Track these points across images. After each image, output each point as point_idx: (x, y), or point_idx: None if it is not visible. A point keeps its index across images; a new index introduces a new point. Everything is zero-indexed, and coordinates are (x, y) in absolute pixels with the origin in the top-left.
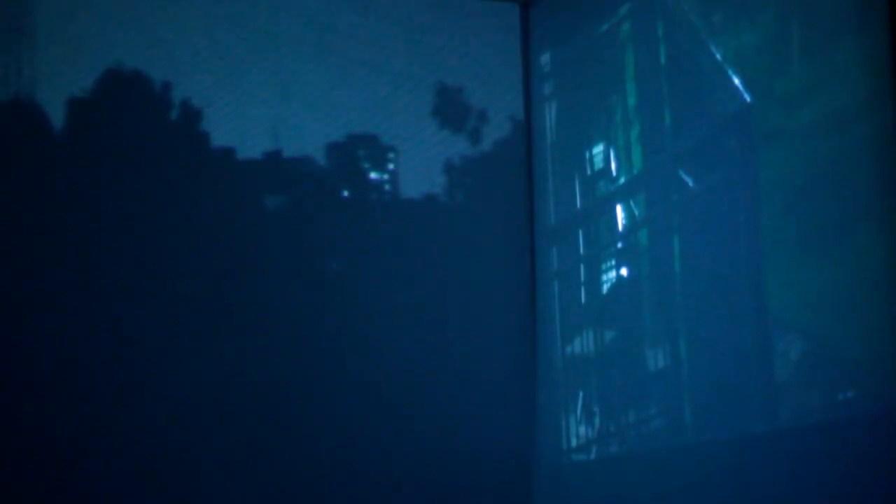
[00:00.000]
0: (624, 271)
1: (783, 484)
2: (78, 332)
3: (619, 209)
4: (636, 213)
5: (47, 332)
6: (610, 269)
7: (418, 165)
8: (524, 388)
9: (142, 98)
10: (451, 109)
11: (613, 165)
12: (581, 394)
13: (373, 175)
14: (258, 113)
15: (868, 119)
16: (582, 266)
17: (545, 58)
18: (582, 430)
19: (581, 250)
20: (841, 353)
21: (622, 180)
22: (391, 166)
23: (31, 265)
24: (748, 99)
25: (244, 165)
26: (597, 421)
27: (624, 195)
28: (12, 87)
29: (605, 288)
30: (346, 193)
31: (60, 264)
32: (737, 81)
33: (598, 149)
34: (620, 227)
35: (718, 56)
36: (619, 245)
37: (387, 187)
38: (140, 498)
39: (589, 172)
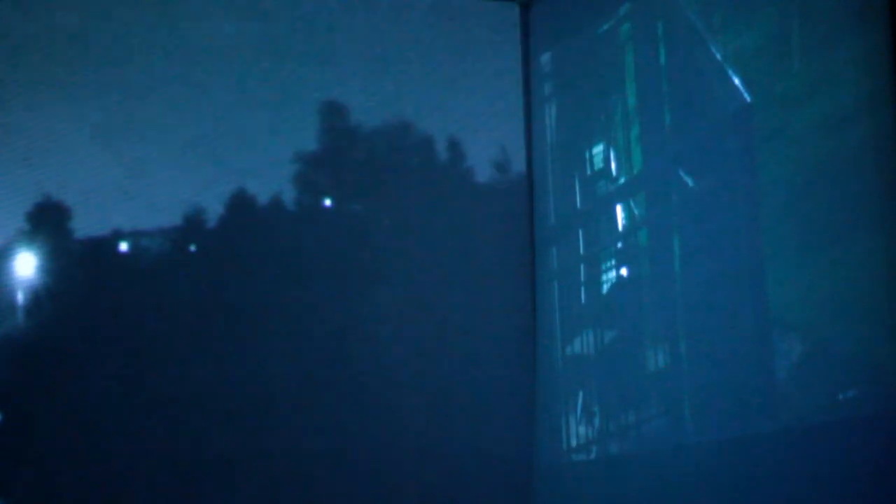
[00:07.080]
0: (624, 271)
1: (783, 484)
2: (77, 334)
3: (619, 209)
4: (636, 213)
5: (47, 332)
6: (610, 269)
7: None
8: (524, 388)
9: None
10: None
11: (613, 165)
12: (581, 394)
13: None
14: (259, 114)
15: (868, 119)
16: (582, 266)
17: (545, 58)
18: (582, 430)
19: (581, 250)
20: (841, 353)
21: (622, 180)
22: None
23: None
24: (748, 99)
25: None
26: (597, 421)
27: (624, 195)
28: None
29: (605, 288)
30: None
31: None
32: (737, 81)
33: (598, 149)
34: (620, 227)
35: (718, 56)
36: (619, 245)
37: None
38: (141, 498)
39: (589, 172)
